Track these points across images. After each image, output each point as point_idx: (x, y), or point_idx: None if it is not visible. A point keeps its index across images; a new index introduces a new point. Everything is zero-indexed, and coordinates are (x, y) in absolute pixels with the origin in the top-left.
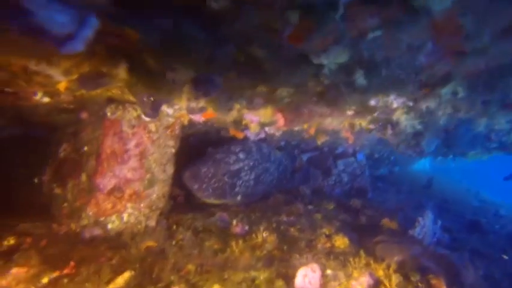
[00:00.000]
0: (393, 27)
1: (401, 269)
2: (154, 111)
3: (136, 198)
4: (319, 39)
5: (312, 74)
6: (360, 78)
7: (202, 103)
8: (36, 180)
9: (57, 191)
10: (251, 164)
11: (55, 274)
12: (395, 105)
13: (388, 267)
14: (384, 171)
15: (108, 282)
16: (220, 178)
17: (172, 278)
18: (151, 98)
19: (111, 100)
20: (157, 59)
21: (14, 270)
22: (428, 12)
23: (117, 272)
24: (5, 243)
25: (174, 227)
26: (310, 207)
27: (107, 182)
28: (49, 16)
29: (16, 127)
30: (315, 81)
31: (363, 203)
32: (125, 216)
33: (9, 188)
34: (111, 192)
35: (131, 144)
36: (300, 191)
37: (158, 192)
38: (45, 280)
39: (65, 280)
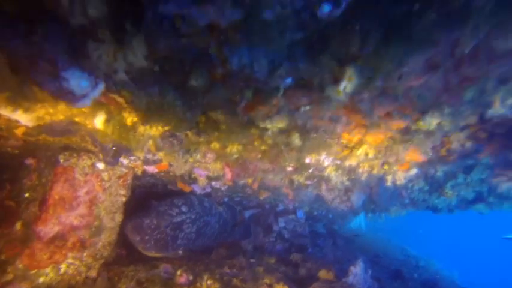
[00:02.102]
0: (317, 105)
1: None
2: (114, 159)
3: (80, 247)
4: (265, 109)
5: (258, 135)
6: (295, 140)
7: (158, 155)
8: None
9: None
10: (193, 217)
11: None
12: (326, 163)
13: None
14: (322, 229)
15: None
16: (163, 230)
17: None
18: (114, 148)
19: (66, 147)
20: (136, 117)
21: None
22: (337, 96)
23: None
24: None
25: (116, 278)
26: (252, 260)
27: (49, 229)
28: (77, 83)
29: None
30: (260, 141)
31: (302, 257)
32: (63, 267)
33: None
34: (51, 240)
35: (82, 191)
36: (242, 246)
37: (104, 240)
38: None
39: None
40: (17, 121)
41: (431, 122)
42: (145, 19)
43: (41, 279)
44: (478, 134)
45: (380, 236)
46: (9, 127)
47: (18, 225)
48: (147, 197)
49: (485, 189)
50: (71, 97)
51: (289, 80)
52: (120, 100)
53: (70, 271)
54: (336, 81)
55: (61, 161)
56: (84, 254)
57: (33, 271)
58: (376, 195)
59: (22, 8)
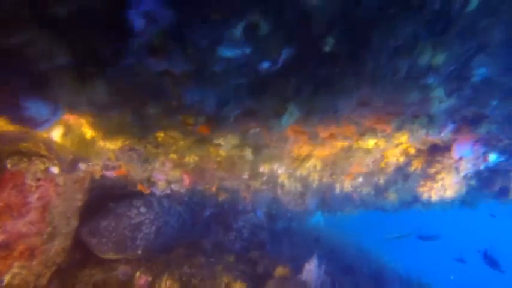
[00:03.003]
0: (266, 129)
1: None
2: (71, 168)
3: (29, 255)
4: (218, 132)
5: (213, 149)
6: (248, 154)
7: (116, 163)
8: None
9: None
10: (152, 217)
11: None
12: (279, 171)
13: None
14: (281, 226)
15: None
16: (121, 232)
17: None
18: (70, 157)
19: (14, 152)
20: (97, 133)
21: None
22: (280, 126)
23: None
24: None
25: (70, 285)
26: (211, 259)
27: None
28: (38, 111)
29: None
30: (216, 153)
31: (261, 254)
32: (7, 277)
33: None
34: None
35: (33, 197)
36: (202, 245)
37: (58, 246)
38: None
39: None
40: None
41: (369, 142)
42: (108, 67)
43: None
44: (409, 150)
45: (337, 232)
46: None
47: None
48: (104, 199)
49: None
50: (31, 123)
51: (237, 111)
52: (81, 120)
53: (15, 282)
54: (279, 114)
55: (8, 166)
56: (34, 263)
57: None
58: (329, 199)
59: None
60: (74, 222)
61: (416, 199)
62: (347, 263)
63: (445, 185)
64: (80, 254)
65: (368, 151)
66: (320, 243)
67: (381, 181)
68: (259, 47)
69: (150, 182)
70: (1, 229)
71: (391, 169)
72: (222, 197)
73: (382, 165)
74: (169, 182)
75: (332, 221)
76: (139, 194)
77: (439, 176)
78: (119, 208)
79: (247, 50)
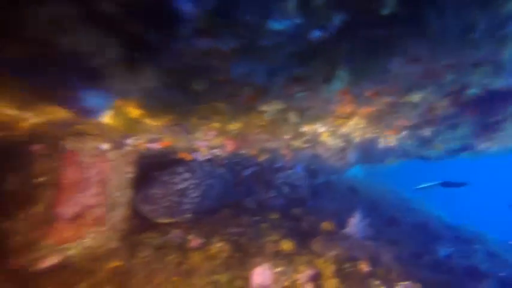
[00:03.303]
0: (312, 92)
1: (336, 260)
2: (120, 144)
3: (99, 223)
4: (264, 100)
5: (256, 115)
6: (292, 117)
7: (160, 135)
8: None
9: (6, 224)
10: (196, 181)
11: None
12: (321, 130)
13: (326, 260)
14: (321, 180)
15: None
16: (169, 198)
17: None
18: (118, 134)
19: (71, 133)
20: (143, 112)
21: None
22: (328, 92)
23: None
24: None
25: (135, 247)
26: (256, 218)
27: (68, 210)
28: (94, 102)
29: None
30: (259, 119)
31: (303, 211)
32: (86, 241)
33: None
34: (73, 219)
35: (92, 172)
36: (246, 205)
37: (119, 214)
38: None
39: None
40: (26, 118)
41: (416, 97)
42: (157, 53)
43: (69, 252)
44: (459, 100)
45: (376, 182)
46: (17, 121)
47: (40, 208)
48: (150, 169)
49: (469, 142)
50: (88, 113)
51: (285, 80)
52: (131, 104)
53: (93, 244)
54: (328, 80)
55: (68, 146)
56: (104, 229)
57: (62, 246)
58: (371, 152)
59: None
60: (129, 193)
61: (465, 148)
62: (390, 214)
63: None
64: (138, 220)
65: (415, 105)
66: (356, 193)
67: (427, 132)
68: (311, 16)
69: (192, 150)
70: (73, 202)
71: (439, 120)
72: (262, 157)
73: (429, 116)
74: (211, 148)
75: (371, 172)
76: (182, 161)
77: (502, 126)
78: (163, 176)
79: (298, 21)
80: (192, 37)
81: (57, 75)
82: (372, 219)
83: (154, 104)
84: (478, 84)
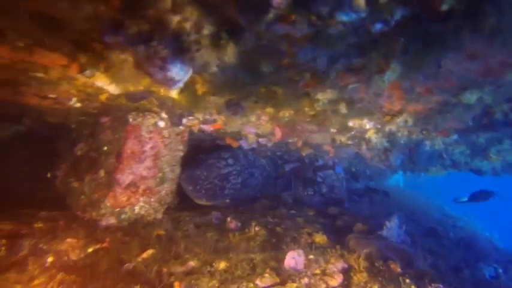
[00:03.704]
0: (364, 84)
1: (368, 257)
2: (179, 121)
3: (149, 193)
4: (321, 87)
5: (308, 103)
6: (342, 108)
7: (215, 116)
8: (48, 175)
9: (75, 184)
10: (238, 168)
11: (97, 246)
12: (367, 126)
13: (358, 256)
14: (360, 185)
15: (137, 255)
16: (211, 181)
17: (187, 255)
18: (180, 111)
19: (134, 108)
20: (208, 89)
21: (69, 240)
22: (381, 83)
23: (143, 250)
24: (35, 225)
25: (177, 221)
26: (292, 212)
27: (125, 177)
28: (177, 72)
29: (22, 125)
30: (310, 108)
31: (339, 211)
32: (137, 208)
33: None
34: (127, 187)
35: (148, 146)
36: (282, 198)
37: (167, 189)
38: (90, 249)
39: (104, 251)
40: (106, 90)
41: (471, 97)
42: (242, 34)
43: (123, 216)
44: None
45: (418, 194)
46: (97, 93)
47: (102, 173)
48: (198, 151)
49: None
50: (171, 83)
51: (343, 68)
52: (198, 78)
53: (142, 212)
54: (382, 71)
55: (130, 120)
56: (152, 200)
57: (117, 209)
58: (416, 156)
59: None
60: (177, 170)
61: None
62: (429, 226)
63: None
64: (181, 197)
65: (469, 106)
66: (390, 199)
67: (481, 139)
68: (376, 10)
69: (240, 136)
70: (130, 170)
71: (496, 126)
72: (306, 151)
73: (485, 121)
74: (258, 136)
75: (413, 183)
76: (228, 147)
77: None
78: (209, 159)
79: (363, 14)
80: (273, 23)
81: (157, 47)
82: (409, 227)
83: (221, 82)
84: None
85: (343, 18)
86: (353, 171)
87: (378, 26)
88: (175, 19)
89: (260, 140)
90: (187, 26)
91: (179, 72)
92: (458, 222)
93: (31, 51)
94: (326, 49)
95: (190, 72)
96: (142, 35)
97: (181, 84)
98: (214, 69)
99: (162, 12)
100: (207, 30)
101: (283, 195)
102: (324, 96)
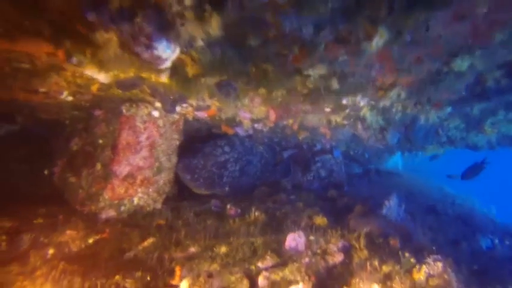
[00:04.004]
0: (353, 55)
1: (368, 236)
2: (172, 107)
3: (147, 184)
4: (310, 61)
5: (300, 81)
6: (334, 84)
7: (208, 102)
8: (46, 172)
9: (72, 180)
10: (235, 156)
11: (97, 237)
12: (361, 103)
13: (359, 235)
14: (358, 169)
15: (138, 244)
16: (209, 169)
17: (187, 242)
18: (172, 97)
19: (127, 99)
20: (197, 70)
21: (68, 232)
22: (370, 50)
23: (143, 238)
24: (35, 222)
25: (177, 210)
26: (292, 197)
27: (122, 169)
28: (164, 50)
29: (16, 124)
30: (302, 86)
31: (339, 193)
32: (136, 199)
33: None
34: (125, 178)
35: (143, 137)
36: (282, 185)
37: (165, 178)
38: (91, 240)
39: (105, 242)
40: (96, 79)
41: (463, 64)
42: (225, 3)
43: (122, 208)
44: None
45: (417, 176)
46: (88, 84)
47: (98, 166)
48: (192, 141)
49: None
50: (159, 62)
51: (330, 37)
52: (187, 59)
53: (141, 203)
54: (370, 37)
55: (124, 111)
56: (150, 190)
57: (116, 201)
58: (412, 134)
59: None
60: (174, 159)
61: None
62: (428, 204)
63: None
64: (178, 187)
65: (461, 74)
66: (382, 177)
67: (475, 111)
68: None
69: (236, 122)
70: (127, 162)
71: (490, 95)
72: (302, 135)
73: (478, 90)
74: (253, 121)
75: (411, 165)
76: (223, 135)
77: None
78: (205, 148)
79: None
80: None
81: (141, 23)
82: (409, 207)
83: (210, 61)
84: None
85: None
86: (351, 155)
87: None
88: None
89: (255, 125)
90: None
91: (166, 50)
92: (457, 200)
93: (12, 38)
94: (311, 16)
95: (177, 51)
96: (125, 11)
97: (169, 63)
98: (200, 43)
99: None
100: (188, 0)
101: (282, 182)
102: (314, 71)
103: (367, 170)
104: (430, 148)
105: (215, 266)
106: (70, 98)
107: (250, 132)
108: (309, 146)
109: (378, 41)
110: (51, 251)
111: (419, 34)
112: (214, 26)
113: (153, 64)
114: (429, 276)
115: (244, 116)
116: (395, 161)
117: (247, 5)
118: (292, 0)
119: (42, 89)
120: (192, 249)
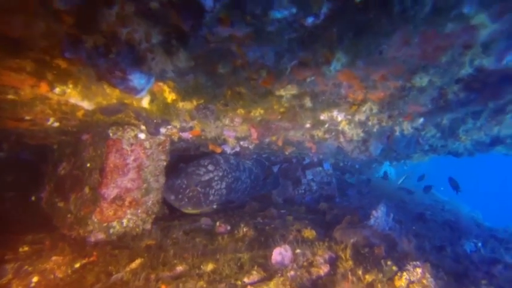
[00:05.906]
0: (319, 76)
1: (355, 246)
2: (156, 130)
3: (135, 205)
4: (279, 83)
5: (275, 100)
6: (307, 102)
7: (191, 123)
8: (33, 198)
9: (60, 204)
10: (220, 174)
11: (84, 260)
12: (339, 118)
13: (346, 246)
14: (351, 180)
15: (125, 266)
16: (193, 189)
17: (175, 261)
18: (155, 121)
19: (113, 123)
20: (175, 96)
21: (54, 258)
22: (329, 73)
23: (131, 260)
24: (20, 250)
25: (166, 230)
26: (282, 211)
27: (110, 192)
28: (138, 81)
29: (2, 151)
30: (278, 105)
31: (330, 206)
32: (125, 221)
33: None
34: (113, 200)
35: (130, 159)
36: (273, 199)
37: (153, 199)
38: (77, 265)
39: (92, 265)
40: (80, 106)
41: (422, 80)
42: (188, 39)
43: (111, 231)
44: (472, 84)
45: (408, 183)
46: (73, 111)
47: (86, 189)
48: (179, 161)
49: (502, 132)
50: (134, 92)
51: (292, 62)
52: (164, 87)
53: (130, 224)
54: (328, 61)
55: (110, 134)
56: (139, 211)
57: (105, 224)
58: (394, 144)
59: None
60: (162, 180)
61: (496, 140)
62: (417, 212)
63: None
64: (170, 207)
65: (423, 89)
66: (372, 184)
67: (445, 121)
68: (303, 6)
69: (221, 140)
70: (115, 184)
71: (454, 107)
72: (289, 150)
73: (442, 103)
74: (238, 139)
75: (404, 173)
76: (208, 155)
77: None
78: (188, 168)
79: (293, 10)
80: (213, 25)
81: (115, 59)
82: (398, 215)
83: (184, 87)
84: (471, 65)
85: (277, 15)
86: (341, 166)
87: (310, 20)
88: (125, 31)
89: (241, 142)
90: (137, 36)
91: (140, 82)
92: (446, 206)
93: None
94: (270, 46)
95: (152, 81)
96: (100, 49)
97: (144, 93)
98: (171, 74)
99: (113, 25)
100: (155, 39)
101: (273, 196)
102: (286, 92)
103: (359, 181)
104: (416, 156)
105: (201, 284)
106: (56, 124)
107: (237, 149)
108: (298, 159)
109: (336, 64)
110: (35, 279)
111: (374, 57)
112: (182, 59)
113: (130, 94)
114: (410, 282)
115: (229, 135)
116: (385, 171)
117: (211, 39)
118: (251, 34)
119: (28, 117)
120: (180, 268)
